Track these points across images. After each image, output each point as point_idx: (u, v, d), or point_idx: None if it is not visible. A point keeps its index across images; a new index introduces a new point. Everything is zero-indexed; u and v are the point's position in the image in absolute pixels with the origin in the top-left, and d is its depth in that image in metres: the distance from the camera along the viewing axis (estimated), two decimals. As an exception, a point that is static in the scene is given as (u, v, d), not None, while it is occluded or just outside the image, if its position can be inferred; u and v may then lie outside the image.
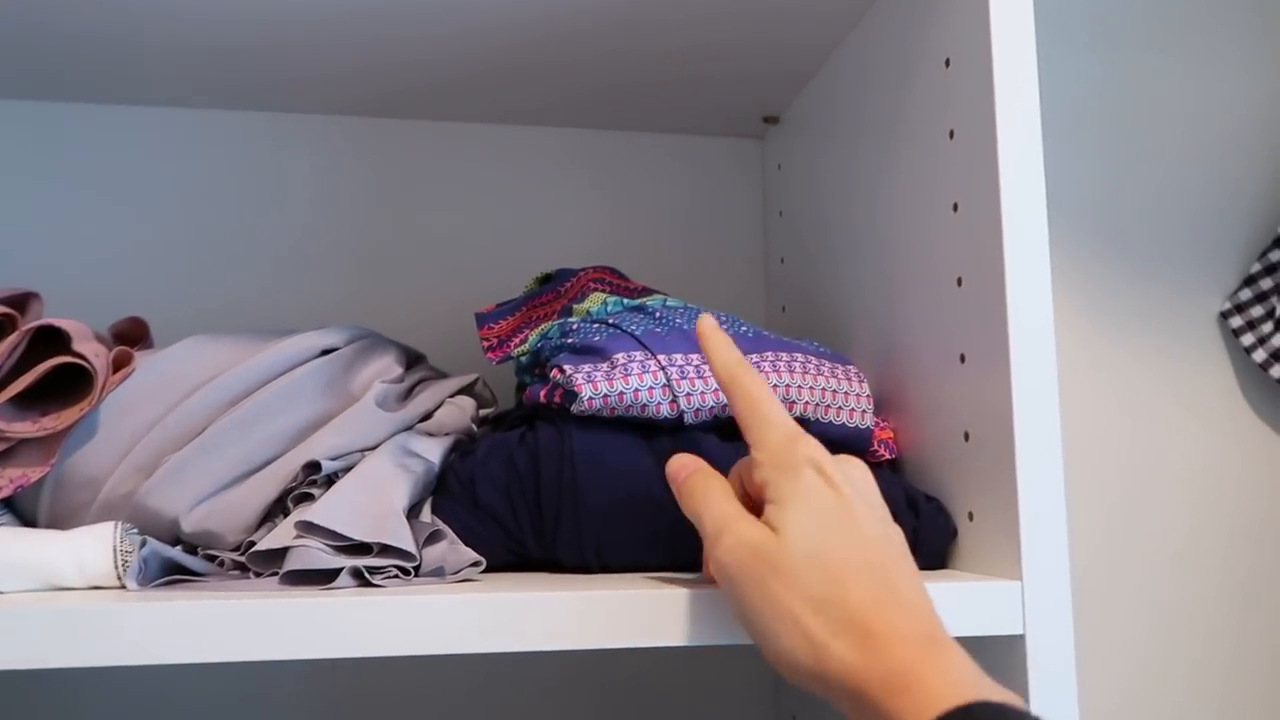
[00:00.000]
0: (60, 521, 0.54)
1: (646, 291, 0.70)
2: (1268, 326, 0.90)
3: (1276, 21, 0.99)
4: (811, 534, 0.41)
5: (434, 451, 0.57)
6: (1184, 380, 0.94)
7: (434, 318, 0.84)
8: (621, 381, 0.54)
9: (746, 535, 0.42)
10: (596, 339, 0.57)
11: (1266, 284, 0.92)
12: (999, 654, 0.50)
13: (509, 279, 0.85)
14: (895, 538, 0.43)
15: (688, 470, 0.47)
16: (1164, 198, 0.95)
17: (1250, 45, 0.98)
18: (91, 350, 0.54)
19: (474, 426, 0.63)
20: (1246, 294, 0.93)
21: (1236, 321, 0.92)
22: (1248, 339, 0.92)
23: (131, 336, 0.65)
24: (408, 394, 0.63)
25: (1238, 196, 0.97)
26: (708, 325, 0.48)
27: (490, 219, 0.86)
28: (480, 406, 0.65)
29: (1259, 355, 0.91)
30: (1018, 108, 0.51)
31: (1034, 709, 0.47)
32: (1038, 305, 0.50)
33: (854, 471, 0.44)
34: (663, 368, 0.55)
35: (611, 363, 0.55)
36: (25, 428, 0.52)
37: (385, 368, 0.62)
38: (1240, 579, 0.93)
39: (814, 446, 0.44)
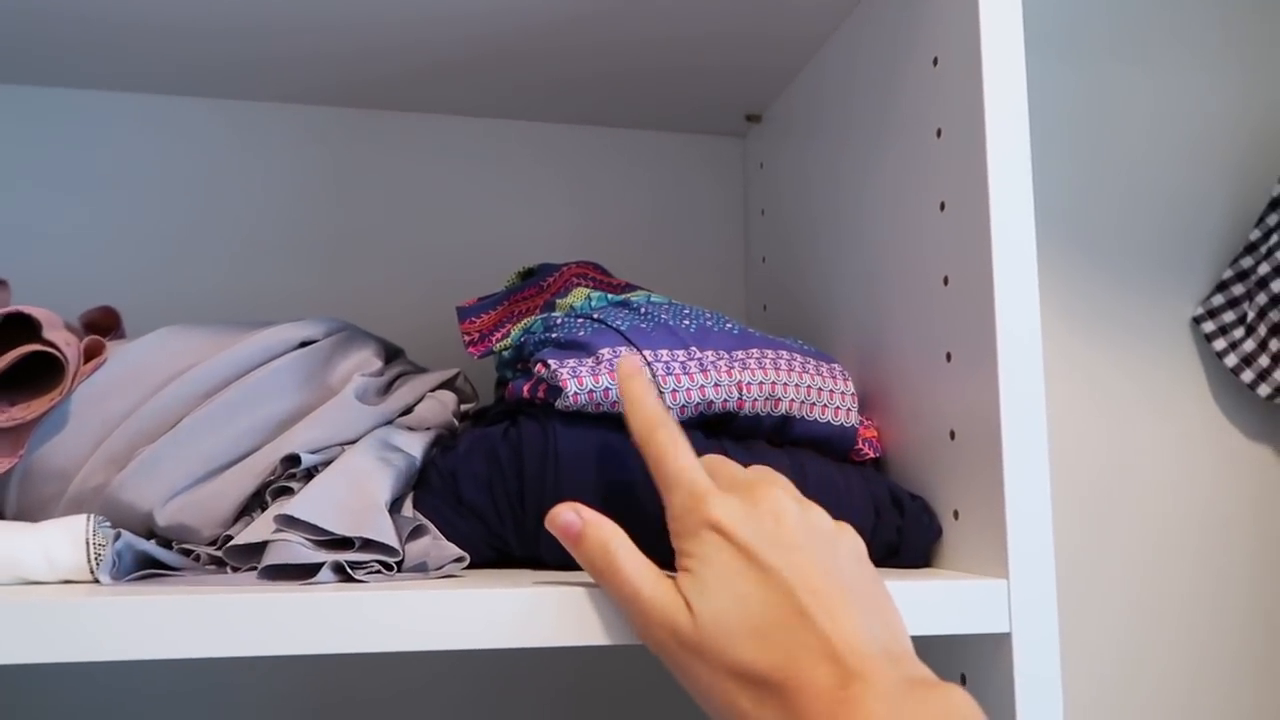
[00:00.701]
0: (28, 514, 0.52)
1: (630, 287, 0.69)
2: (1239, 332, 0.92)
3: (1239, 31, 1.00)
4: (716, 603, 0.40)
5: (415, 446, 0.56)
6: (1157, 384, 0.95)
7: (409, 312, 0.83)
8: (607, 377, 0.53)
9: (661, 617, 0.41)
10: (581, 334, 0.56)
11: (1238, 290, 0.93)
12: (984, 652, 0.50)
13: (485, 275, 0.84)
14: (818, 570, 0.40)
15: (576, 529, 0.44)
16: (1134, 204, 0.96)
17: (1214, 54, 1.00)
18: (62, 339, 0.52)
19: (455, 421, 0.62)
20: (1219, 299, 0.94)
21: (1209, 326, 0.93)
22: (1219, 344, 0.93)
23: (103, 326, 0.63)
24: (387, 388, 0.62)
25: (1208, 203, 0.98)
26: (628, 367, 0.47)
27: (467, 214, 0.86)
28: (461, 401, 0.64)
29: (1230, 360, 0.92)
30: (1006, 106, 0.51)
31: (1019, 706, 0.47)
32: (1025, 304, 0.50)
33: (764, 509, 0.42)
34: (648, 364, 0.54)
35: (597, 358, 0.54)
36: (-7, 417, 0.50)
37: (364, 361, 0.61)
38: (1211, 577, 0.94)
39: (717, 505, 0.42)
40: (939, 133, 0.55)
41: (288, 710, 0.78)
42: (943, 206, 0.55)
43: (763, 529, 0.41)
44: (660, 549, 0.52)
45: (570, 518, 0.44)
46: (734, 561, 0.41)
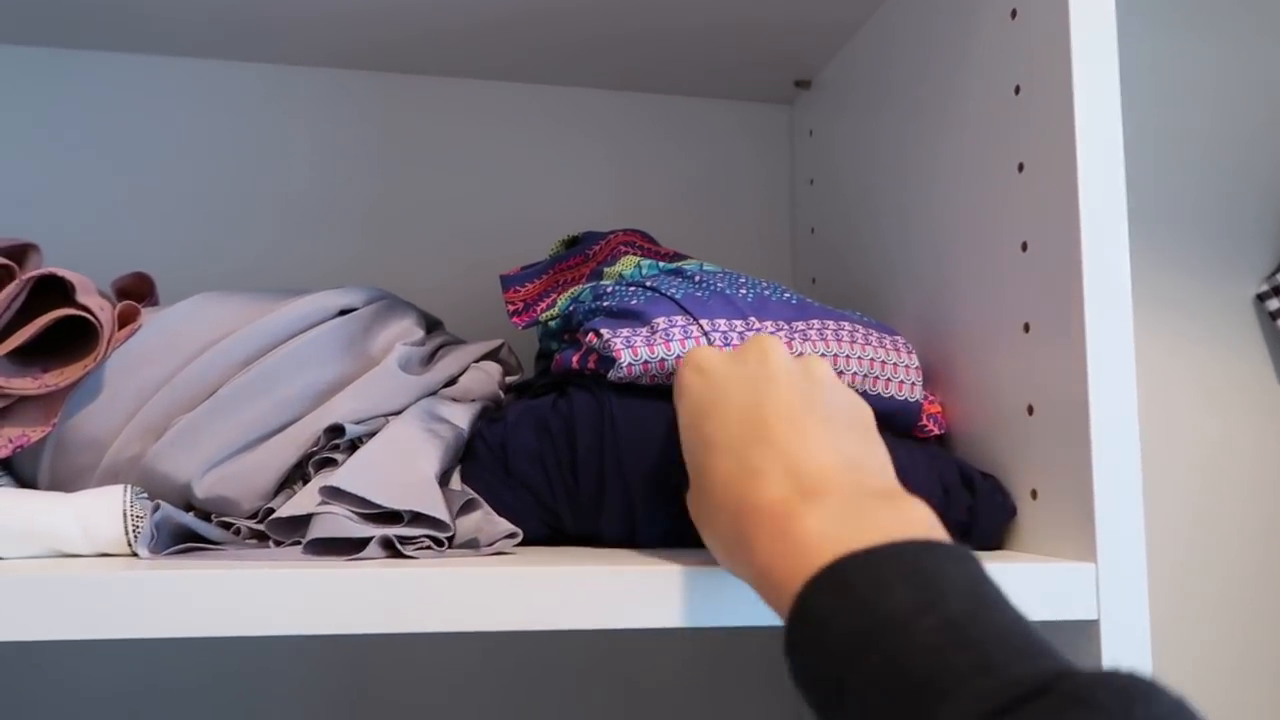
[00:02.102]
0: (62, 485, 0.50)
1: (678, 256, 0.66)
2: (1306, 309, 0.88)
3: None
4: (685, 436, 0.43)
5: (462, 418, 0.53)
6: (1217, 364, 0.92)
7: (447, 282, 0.80)
8: (663, 347, 0.51)
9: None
10: (634, 302, 0.53)
11: (1305, 265, 0.89)
12: (1068, 640, 0.47)
13: (526, 244, 0.81)
14: (782, 394, 0.41)
15: None
16: (1197, 177, 0.93)
17: (1290, 21, 0.95)
18: (96, 304, 0.50)
19: (500, 394, 0.59)
20: (1285, 275, 0.90)
21: (1275, 304, 0.90)
22: (1285, 321, 0.89)
23: (136, 292, 0.61)
24: (430, 358, 0.60)
25: (1273, 177, 0.94)
26: None
27: (507, 181, 0.83)
28: (506, 373, 0.62)
29: (1296, 338, 0.88)
30: (1094, 58, 0.48)
31: (1106, 698, 0.45)
32: (1114, 271, 0.47)
33: (746, 349, 0.44)
34: (705, 333, 0.52)
35: (651, 327, 0.51)
36: (25, 384, 0.48)
37: (406, 330, 0.59)
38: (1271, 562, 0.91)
39: (700, 351, 0.45)
40: (1017, 90, 0.52)
41: (323, 688, 0.76)
42: (1021, 168, 0.52)
43: (743, 365, 0.43)
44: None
45: None
46: (696, 391, 0.43)
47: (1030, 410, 0.51)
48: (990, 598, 0.32)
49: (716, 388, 0.42)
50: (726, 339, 0.52)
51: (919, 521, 0.35)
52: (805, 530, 0.35)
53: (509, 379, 0.62)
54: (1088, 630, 0.46)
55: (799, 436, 0.39)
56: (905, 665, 0.30)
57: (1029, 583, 0.45)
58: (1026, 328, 0.51)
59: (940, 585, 0.32)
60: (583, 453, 0.50)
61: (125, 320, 0.52)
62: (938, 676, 0.29)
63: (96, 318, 0.49)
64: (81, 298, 0.50)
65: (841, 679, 0.31)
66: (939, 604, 0.31)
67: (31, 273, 0.49)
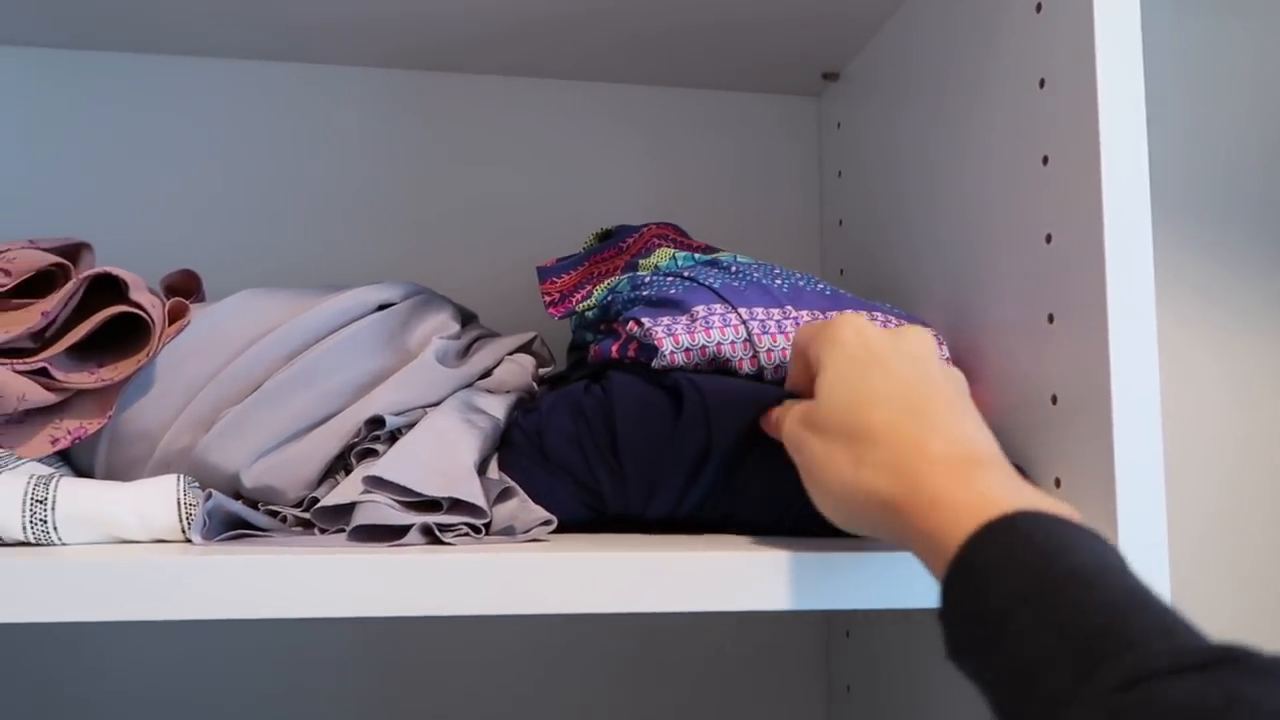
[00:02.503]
0: (117, 475, 0.52)
1: (710, 249, 0.68)
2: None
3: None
4: (839, 382, 0.43)
5: (498, 408, 0.55)
6: (1245, 354, 0.91)
7: (483, 277, 0.82)
8: (703, 334, 0.52)
9: (793, 412, 0.46)
10: (673, 292, 0.55)
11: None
12: (1090, 625, 0.48)
13: (559, 238, 0.83)
14: (941, 382, 0.43)
15: (774, 419, 0.49)
16: (1228, 168, 0.92)
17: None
18: (148, 301, 0.52)
19: (534, 385, 0.61)
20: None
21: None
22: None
23: (184, 290, 0.63)
24: (466, 351, 0.61)
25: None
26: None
27: (537, 177, 0.84)
28: (539, 365, 0.63)
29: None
30: (1119, 51, 0.48)
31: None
32: (1138, 262, 0.48)
33: (906, 333, 0.46)
34: (744, 321, 0.53)
35: (691, 315, 0.53)
36: (83, 378, 0.50)
37: (442, 324, 0.61)
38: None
39: (859, 317, 0.46)
40: (1042, 83, 0.53)
41: (362, 671, 0.79)
42: (1046, 160, 0.52)
43: (902, 342, 0.45)
44: (774, 484, 0.51)
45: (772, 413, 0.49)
46: (859, 352, 0.44)
47: (1054, 400, 0.52)
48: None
49: (876, 351, 0.44)
50: (764, 327, 0.53)
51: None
52: (986, 482, 0.37)
53: (542, 371, 0.63)
54: (1111, 615, 0.46)
55: (958, 419, 0.41)
56: (1088, 614, 0.31)
57: (1052, 569, 0.46)
58: (1051, 318, 0.52)
59: (1113, 557, 0.34)
60: (623, 427, 0.51)
61: (175, 316, 0.54)
62: (1123, 629, 0.30)
63: (149, 314, 0.51)
64: (134, 295, 0.52)
65: (1006, 616, 0.32)
66: (1119, 570, 0.33)
67: (87, 272, 0.51)
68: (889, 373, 0.43)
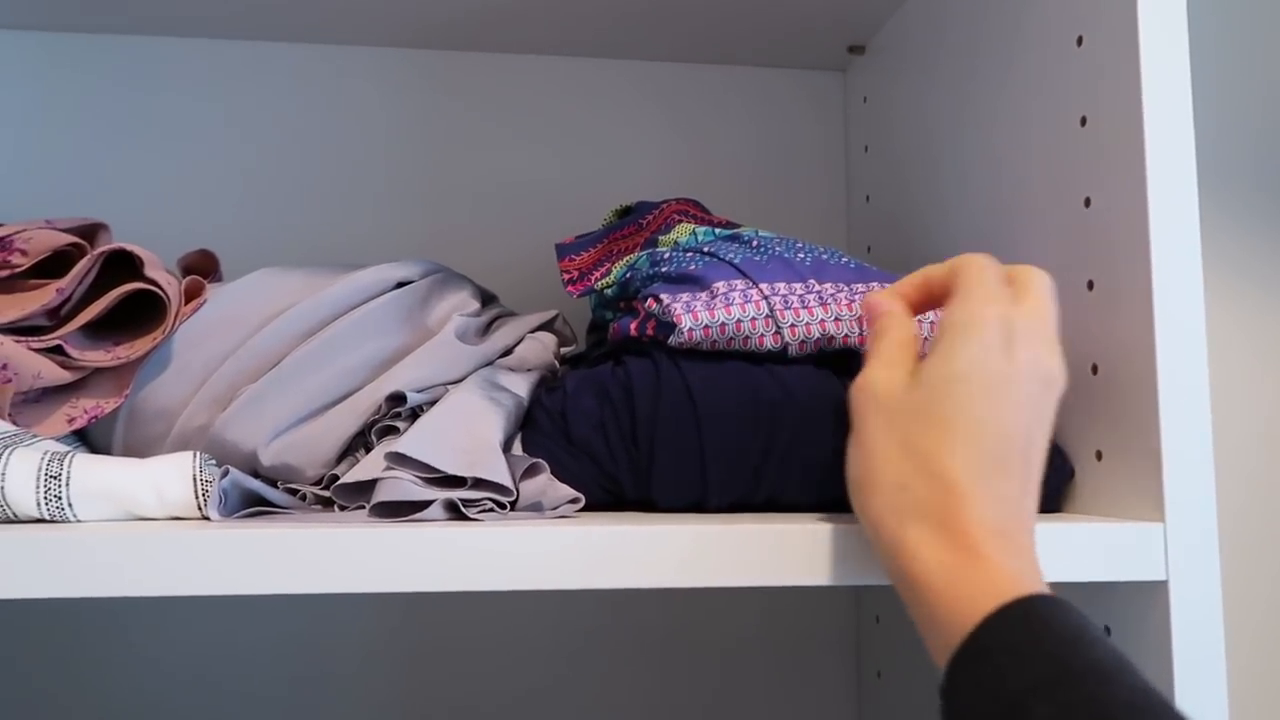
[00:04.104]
0: (135, 454, 0.51)
1: (730, 225, 0.66)
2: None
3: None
4: (950, 382, 0.38)
5: (521, 386, 0.54)
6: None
7: (503, 256, 0.81)
8: (723, 311, 0.50)
9: (882, 374, 0.41)
10: (693, 267, 0.53)
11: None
12: (1135, 602, 0.46)
13: (579, 217, 0.81)
14: (1041, 422, 0.40)
15: (881, 310, 0.44)
16: (1270, 140, 0.89)
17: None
18: (164, 279, 0.51)
19: (556, 363, 0.60)
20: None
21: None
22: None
23: (201, 269, 0.62)
24: (486, 329, 0.60)
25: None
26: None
27: (559, 155, 0.83)
28: (561, 344, 0.62)
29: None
30: (1162, 2, 0.46)
31: (1177, 658, 0.44)
32: (1184, 224, 0.46)
33: (1049, 339, 0.41)
34: (765, 297, 0.51)
35: (711, 292, 0.51)
36: (99, 356, 0.50)
37: (462, 302, 0.60)
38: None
39: (1005, 302, 0.40)
40: (1080, 41, 0.51)
41: (381, 652, 0.78)
42: (1084, 121, 0.51)
43: (1026, 348, 0.40)
44: (782, 481, 0.49)
45: (881, 301, 0.45)
46: (987, 361, 0.39)
47: (1094, 370, 0.50)
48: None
49: (1013, 362, 0.39)
50: (787, 302, 0.52)
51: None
52: (1008, 559, 0.36)
53: (564, 349, 0.62)
54: (1156, 592, 0.45)
55: (1026, 477, 0.39)
56: (1109, 710, 0.31)
57: (1096, 543, 0.44)
58: (1090, 285, 0.50)
59: (1121, 652, 0.33)
60: (641, 418, 0.50)
61: (191, 295, 0.53)
62: None
63: (165, 292, 0.50)
64: (150, 272, 0.51)
65: (1028, 704, 0.32)
66: (1131, 668, 0.33)
67: (103, 248, 0.50)
68: (1002, 402, 0.38)
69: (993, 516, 0.36)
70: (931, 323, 0.53)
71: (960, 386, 0.38)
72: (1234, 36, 0.90)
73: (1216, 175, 0.89)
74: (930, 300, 0.45)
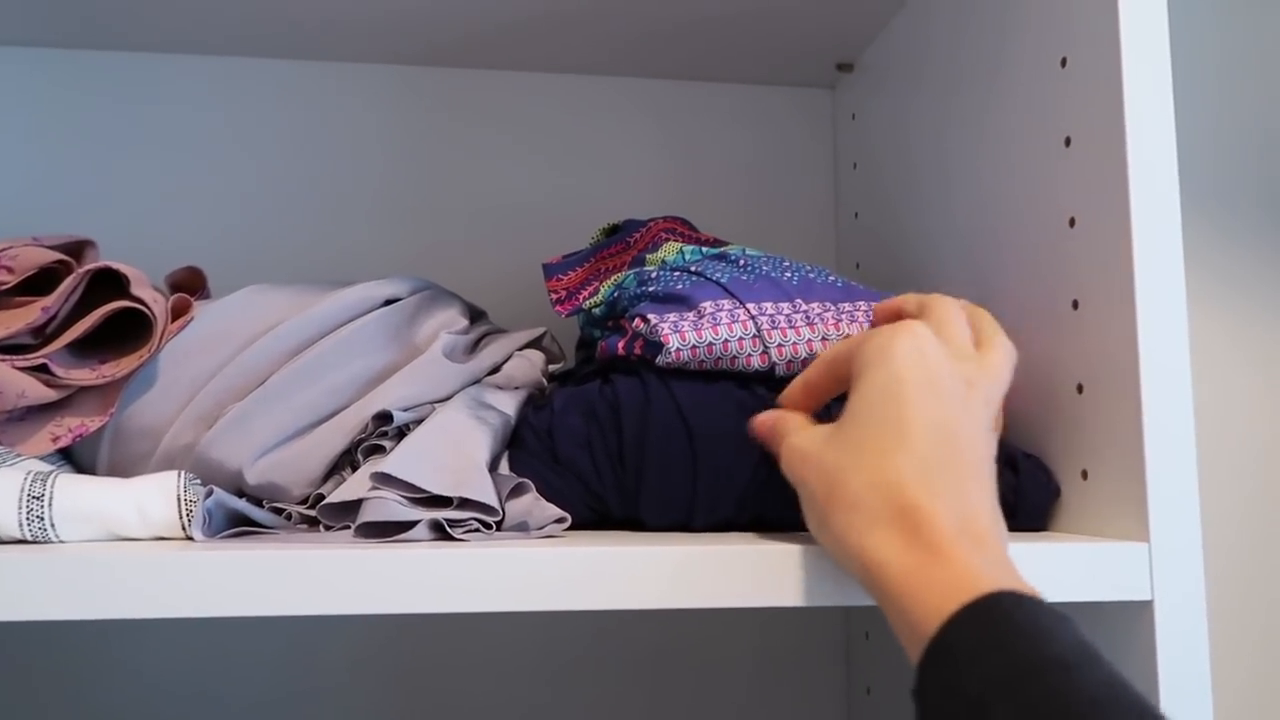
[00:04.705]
0: (120, 473, 0.51)
1: (718, 243, 0.66)
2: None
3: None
4: (868, 419, 0.40)
5: (508, 405, 0.54)
6: (1277, 347, 0.89)
7: (496, 273, 0.81)
8: (710, 331, 0.50)
9: (800, 434, 0.43)
10: (680, 287, 0.53)
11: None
12: (1121, 622, 0.46)
13: (570, 233, 0.81)
14: (979, 428, 0.40)
15: (768, 425, 0.46)
16: (1259, 155, 0.90)
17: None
18: (150, 296, 0.51)
19: (545, 381, 0.60)
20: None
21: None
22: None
23: (189, 286, 0.62)
24: (474, 346, 0.60)
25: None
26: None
27: (551, 172, 0.83)
28: (549, 361, 0.62)
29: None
30: (1144, 23, 0.47)
31: (1163, 678, 0.44)
32: (1166, 245, 0.46)
33: (955, 363, 0.41)
34: (752, 317, 0.51)
35: (698, 311, 0.51)
36: (84, 375, 0.50)
37: (450, 319, 0.60)
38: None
39: (924, 329, 0.42)
40: (1064, 62, 0.51)
41: (368, 671, 0.78)
42: (1068, 142, 0.51)
43: (940, 362, 0.41)
44: (768, 500, 0.49)
45: (764, 419, 0.46)
46: (903, 382, 0.40)
47: (1080, 389, 0.50)
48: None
49: (930, 377, 0.40)
50: (774, 322, 0.52)
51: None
52: (973, 559, 0.35)
53: (552, 367, 0.62)
54: (1142, 612, 0.45)
55: (979, 482, 0.39)
56: (1070, 705, 0.30)
57: (1081, 563, 0.44)
58: (1075, 305, 0.50)
59: (1089, 645, 0.33)
60: (628, 438, 0.50)
61: (178, 312, 0.53)
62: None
63: (151, 310, 0.50)
64: (136, 290, 0.51)
65: (987, 701, 0.31)
66: (1097, 659, 0.32)
67: (88, 266, 0.50)
68: (925, 402, 0.39)
69: (947, 512, 0.37)
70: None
71: (884, 404, 0.39)
72: (1226, 53, 0.90)
73: (1207, 190, 0.89)
74: (838, 383, 0.45)
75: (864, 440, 0.39)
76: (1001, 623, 0.33)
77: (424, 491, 0.45)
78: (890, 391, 0.39)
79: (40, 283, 0.52)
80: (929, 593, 0.35)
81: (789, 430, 0.44)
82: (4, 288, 0.51)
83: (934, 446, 0.38)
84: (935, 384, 0.40)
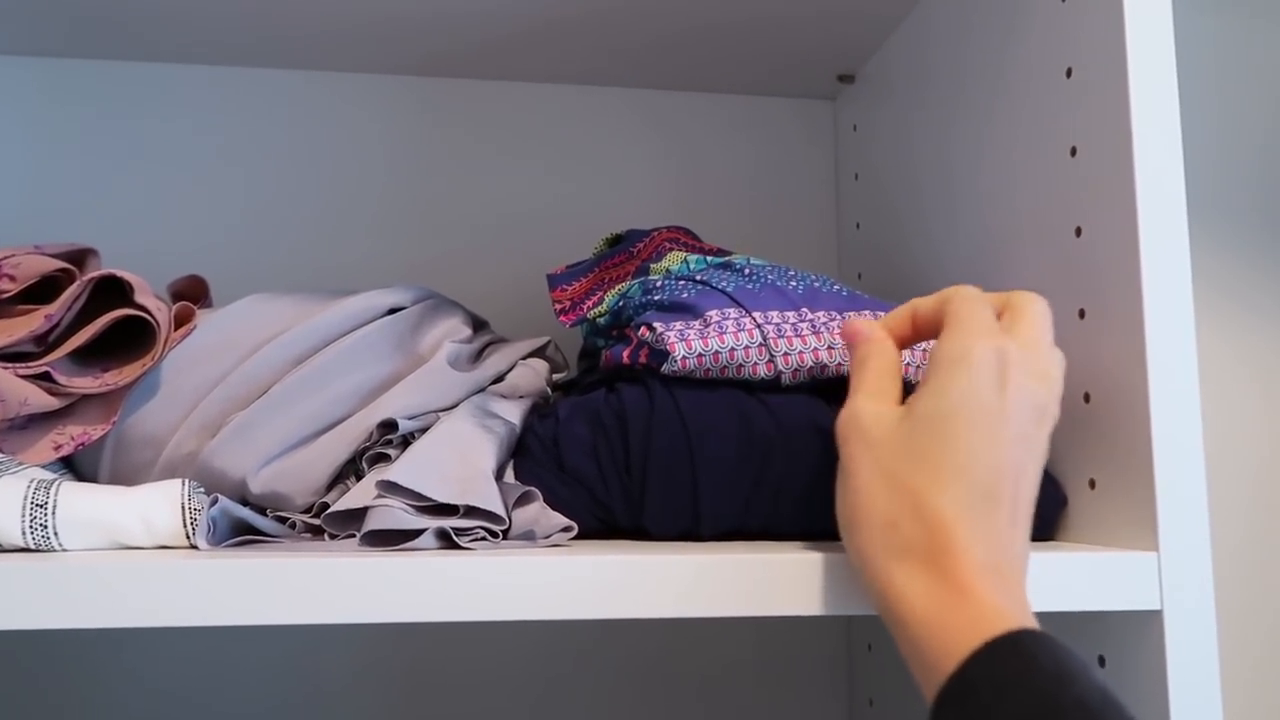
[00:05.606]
0: (123, 481, 0.51)
1: (722, 253, 0.66)
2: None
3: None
4: (940, 418, 0.38)
5: (513, 413, 0.53)
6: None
7: (500, 283, 0.81)
8: (716, 340, 0.50)
9: (866, 408, 0.41)
10: (685, 296, 0.53)
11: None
12: (1129, 632, 0.46)
13: (574, 243, 0.81)
14: (1034, 456, 0.39)
15: (862, 337, 0.44)
16: (1262, 168, 0.90)
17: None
18: (153, 304, 0.51)
19: (549, 390, 0.59)
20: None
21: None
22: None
23: (191, 295, 0.62)
24: (478, 355, 0.60)
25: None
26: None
27: (553, 182, 0.83)
28: (553, 370, 0.62)
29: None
30: (1150, 34, 0.47)
31: (1172, 687, 0.44)
32: (1173, 251, 0.46)
33: (1047, 370, 0.40)
34: (759, 325, 0.51)
35: (704, 320, 0.51)
36: (87, 383, 0.49)
37: (453, 328, 0.59)
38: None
39: (1002, 338, 0.40)
40: (1069, 73, 0.51)
41: (373, 679, 0.77)
42: (1074, 152, 0.51)
43: (1020, 380, 0.39)
44: (776, 508, 0.49)
45: (862, 328, 0.45)
46: (979, 393, 0.39)
47: (1087, 398, 0.50)
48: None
49: (1005, 396, 0.39)
50: (780, 330, 0.52)
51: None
52: (998, 595, 0.35)
53: (556, 376, 0.62)
54: (1151, 622, 0.45)
55: (1017, 514, 0.38)
56: None
57: (1090, 572, 0.44)
58: (1082, 314, 0.50)
59: (1109, 689, 0.33)
60: (635, 447, 0.50)
61: (181, 321, 0.53)
62: None
63: (154, 317, 0.50)
64: (139, 298, 0.51)
65: None
66: (1117, 704, 0.32)
67: (92, 274, 0.50)
68: (993, 438, 0.38)
69: (982, 553, 0.36)
70: (924, 350, 0.53)
71: (950, 423, 0.38)
72: (1230, 64, 0.91)
73: (1212, 201, 0.89)
74: (917, 334, 0.45)
75: (925, 456, 0.38)
76: (1026, 662, 0.33)
77: (430, 500, 0.45)
78: (962, 413, 0.38)
79: (42, 291, 0.51)
80: (950, 630, 0.35)
81: (867, 376, 0.42)
82: (6, 296, 0.51)
83: (989, 489, 0.37)
84: (1001, 417, 0.38)
